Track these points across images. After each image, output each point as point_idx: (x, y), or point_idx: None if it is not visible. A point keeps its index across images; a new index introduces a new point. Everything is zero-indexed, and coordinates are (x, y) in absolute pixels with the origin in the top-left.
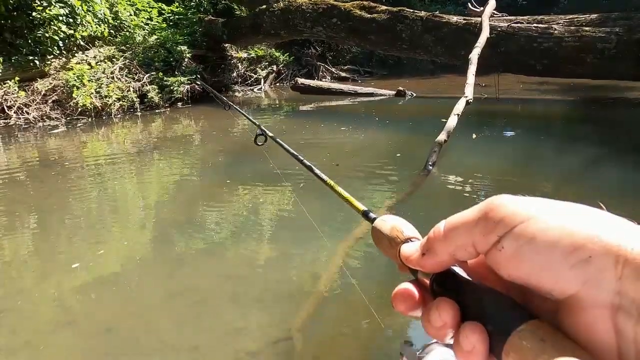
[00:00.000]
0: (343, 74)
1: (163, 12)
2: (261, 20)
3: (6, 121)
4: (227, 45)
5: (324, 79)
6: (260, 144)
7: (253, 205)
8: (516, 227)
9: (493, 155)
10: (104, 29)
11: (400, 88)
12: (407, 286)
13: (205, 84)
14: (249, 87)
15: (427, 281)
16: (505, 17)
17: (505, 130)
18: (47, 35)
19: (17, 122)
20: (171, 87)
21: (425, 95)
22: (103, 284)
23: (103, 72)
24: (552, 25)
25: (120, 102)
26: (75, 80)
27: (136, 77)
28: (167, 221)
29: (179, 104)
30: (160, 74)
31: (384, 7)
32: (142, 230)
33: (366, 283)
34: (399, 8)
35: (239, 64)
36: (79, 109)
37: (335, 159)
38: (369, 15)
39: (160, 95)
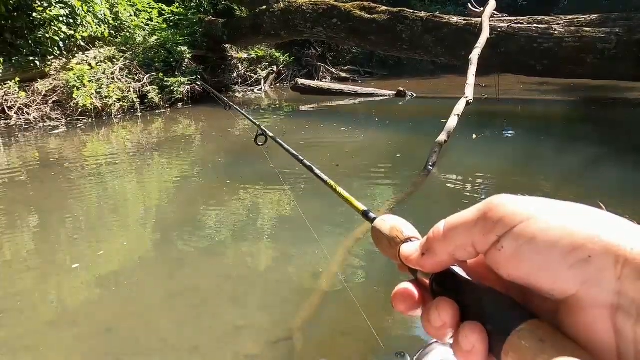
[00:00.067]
0: (343, 75)
1: (163, 12)
2: (261, 20)
3: (7, 122)
4: (227, 45)
5: (324, 80)
6: (260, 144)
7: (253, 205)
8: (516, 227)
9: (493, 155)
10: (105, 29)
11: (401, 88)
12: (407, 286)
13: (206, 84)
14: (249, 88)
15: (427, 281)
16: (505, 18)
17: (506, 130)
18: (47, 35)
19: (18, 123)
20: (171, 88)
21: (426, 95)
22: (103, 284)
23: (103, 73)
24: (552, 26)
25: (121, 103)
26: (75, 80)
27: (136, 78)
28: (167, 221)
29: (179, 104)
30: (161, 74)
31: (384, 8)
32: (142, 231)
33: (366, 283)
34: (399, 9)
35: (239, 65)
36: (80, 110)
37: (335, 160)
38: (369, 16)
39: (160, 95)
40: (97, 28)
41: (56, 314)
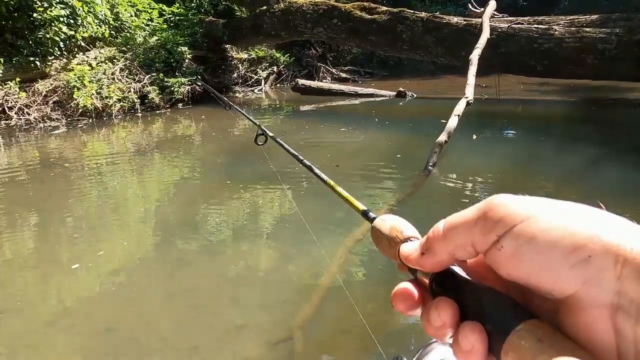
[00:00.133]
0: (343, 75)
1: (164, 13)
2: (262, 21)
3: (7, 122)
4: (227, 46)
5: (324, 80)
6: (260, 143)
7: (253, 205)
8: (516, 226)
9: (494, 155)
10: (105, 30)
11: (401, 89)
12: (407, 286)
13: (206, 84)
14: (250, 88)
15: (427, 281)
16: (505, 18)
17: (506, 130)
18: (47, 36)
19: (18, 123)
20: (172, 88)
21: (426, 96)
22: (103, 284)
23: (104, 73)
24: (553, 26)
25: (121, 103)
26: (76, 81)
27: (137, 78)
28: (167, 221)
29: (180, 104)
30: (161, 74)
31: (384, 8)
32: (142, 231)
33: (366, 283)
34: (400, 9)
35: (240, 65)
36: (80, 110)
37: (336, 160)
38: (369, 16)
39: (160, 96)
40: (97, 28)
41: (56, 314)
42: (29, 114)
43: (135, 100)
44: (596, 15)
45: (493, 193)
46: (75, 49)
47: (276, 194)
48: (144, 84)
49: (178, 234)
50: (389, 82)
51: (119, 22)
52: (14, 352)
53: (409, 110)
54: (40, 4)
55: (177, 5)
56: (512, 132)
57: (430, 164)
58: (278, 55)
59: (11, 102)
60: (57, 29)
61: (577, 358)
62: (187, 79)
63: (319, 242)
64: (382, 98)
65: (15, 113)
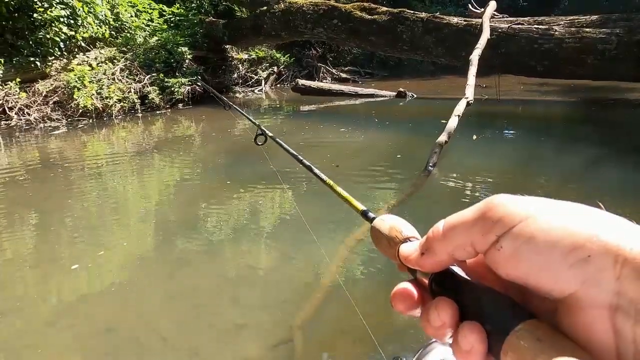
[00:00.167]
0: (344, 75)
1: (164, 13)
2: (262, 21)
3: (7, 122)
4: (227, 46)
5: (324, 80)
6: (260, 143)
7: (253, 206)
8: (515, 226)
9: (494, 156)
10: (105, 30)
11: (401, 89)
12: (406, 286)
13: (206, 84)
14: (250, 89)
15: (426, 281)
16: (505, 19)
17: (506, 130)
18: (48, 36)
19: (18, 123)
20: (172, 88)
21: (426, 96)
22: (103, 285)
23: (104, 74)
24: (553, 27)
25: (121, 103)
26: (76, 81)
27: (137, 78)
28: (167, 222)
29: (180, 105)
30: (161, 75)
31: (384, 9)
32: (142, 231)
33: (366, 283)
34: (400, 9)
35: (240, 65)
36: (80, 110)
37: (336, 160)
38: (369, 17)
39: (161, 96)
40: (97, 29)
41: (56, 314)
42: (29, 114)
43: (136, 101)
44: (596, 16)
45: (493, 193)
46: (76, 50)
47: (276, 194)
48: (144, 84)
49: (178, 234)
50: (389, 82)
51: (119, 23)
52: (14, 352)
53: (409, 110)
54: (40, 4)
55: (178, 5)
56: (512, 132)
57: (431, 164)
58: (278, 55)
59: (11, 103)
60: (58, 30)
61: (577, 358)
62: (187, 80)
63: (319, 242)
64: (382, 98)
65: (15, 113)
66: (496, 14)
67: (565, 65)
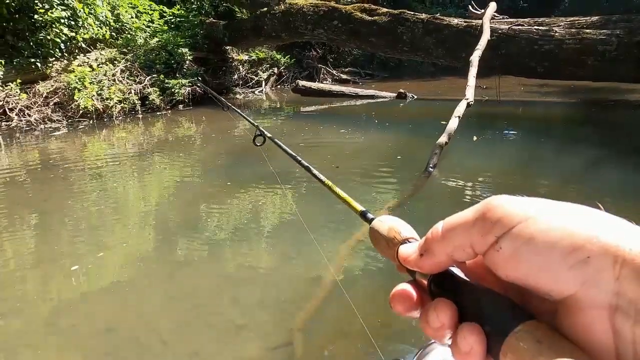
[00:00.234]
0: (344, 76)
1: (164, 14)
2: (262, 22)
3: (8, 123)
4: (228, 47)
5: (325, 81)
6: (259, 144)
7: (253, 207)
8: (514, 227)
9: (494, 157)
10: (106, 31)
11: (401, 90)
12: (405, 287)
13: (206, 86)
14: (250, 90)
15: (425, 282)
16: (506, 20)
17: (506, 131)
18: (48, 37)
19: (19, 124)
20: (172, 90)
21: (426, 97)
22: (103, 285)
23: (104, 75)
24: (553, 28)
25: (122, 105)
26: (76, 82)
27: (137, 80)
28: (167, 223)
29: (180, 106)
30: (162, 76)
31: (384, 10)
32: (142, 232)
33: (365, 284)
34: (400, 10)
35: (240, 67)
36: (81, 111)
37: (336, 161)
38: (369, 18)
39: (161, 97)
40: (98, 30)
41: (56, 314)
42: (29, 116)
43: (136, 102)
44: (596, 17)
45: (493, 194)
46: (76, 51)
47: (276, 195)
48: (145, 85)
49: (178, 235)
50: (390, 83)
51: (119, 24)
52: (14, 352)
53: (409, 111)
54: (41, 5)
55: (178, 6)
56: (512, 133)
57: (431, 165)
58: (278, 56)
59: (12, 104)
60: (58, 31)
61: (576, 359)
62: (187, 81)
63: (318, 243)
64: (382, 99)
65: (16, 114)
66: (496, 15)
67: (566, 66)
